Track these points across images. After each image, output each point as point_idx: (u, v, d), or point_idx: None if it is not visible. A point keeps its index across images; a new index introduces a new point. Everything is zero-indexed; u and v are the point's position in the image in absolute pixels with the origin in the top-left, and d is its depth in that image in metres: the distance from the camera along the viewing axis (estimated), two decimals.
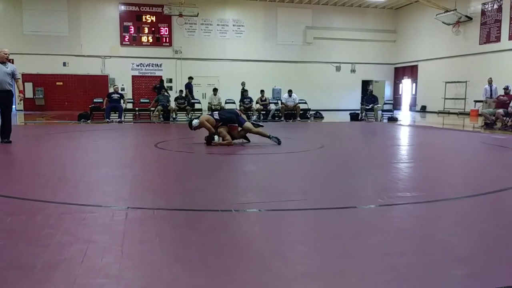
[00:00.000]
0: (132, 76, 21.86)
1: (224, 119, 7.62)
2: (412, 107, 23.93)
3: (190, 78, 17.44)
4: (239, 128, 7.72)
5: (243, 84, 16.95)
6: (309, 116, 16.27)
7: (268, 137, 7.63)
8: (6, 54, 7.55)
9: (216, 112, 7.95)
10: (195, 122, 7.85)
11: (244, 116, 7.99)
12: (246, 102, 15.81)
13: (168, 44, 22.01)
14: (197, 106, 16.21)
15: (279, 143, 7.54)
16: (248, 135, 7.85)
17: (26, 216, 3.12)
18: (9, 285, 2.03)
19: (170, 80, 22.09)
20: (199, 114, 15.58)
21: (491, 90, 14.97)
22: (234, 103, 16.75)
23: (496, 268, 2.31)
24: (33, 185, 4.38)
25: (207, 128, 7.61)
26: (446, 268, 2.28)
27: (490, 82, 15.15)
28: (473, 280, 2.16)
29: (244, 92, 16.13)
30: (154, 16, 21.61)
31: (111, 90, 16.78)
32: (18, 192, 3.98)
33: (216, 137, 7.62)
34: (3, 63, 7.49)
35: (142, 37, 21.68)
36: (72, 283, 2.05)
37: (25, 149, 7.14)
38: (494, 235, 2.87)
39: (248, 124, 7.68)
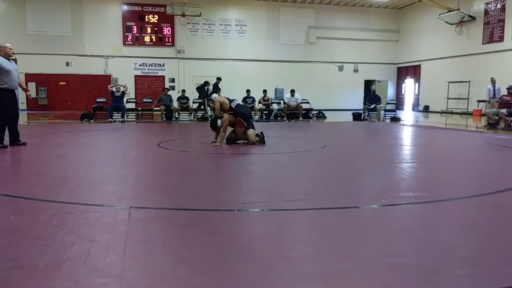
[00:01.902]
0: (135, 76, 21.89)
1: (235, 110, 7.70)
2: (415, 107, 23.88)
3: (219, 79, 17.34)
4: (243, 129, 7.71)
5: (205, 84, 16.46)
6: (311, 116, 16.26)
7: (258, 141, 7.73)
8: (11, 49, 7.04)
9: (236, 102, 8.00)
10: (214, 96, 8.33)
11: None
12: (249, 101, 15.81)
13: (170, 44, 22.04)
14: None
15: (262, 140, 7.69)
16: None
17: (29, 216, 3.13)
18: (13, 284, 2.04)
19: (173, 80, 22.14)
20: (201, 114, 15.68)
21: (494, 90, 14.92)
22: None
23: (499, 269, 2.30)
24: (37, 184, 4.39)
25: (216, 108, 7.73)
26: (449, 269, 2.28)
27: (493, 82, 15.10)
28: (476, 281, 2.15)
29: (203, 88, 15.80)
30: (156, 16, 21.64)
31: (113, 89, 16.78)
32: (22, 192, 4.00)
33: (219, 122, 7.66)
34: (9, 59, 7.01)
35: (145, 37, 21.73)
36: (75, 282, 2.06)
37: (28, 148, 7.14)
38: (497, 236, 2.86)
39: (251, 132, 7.64)
